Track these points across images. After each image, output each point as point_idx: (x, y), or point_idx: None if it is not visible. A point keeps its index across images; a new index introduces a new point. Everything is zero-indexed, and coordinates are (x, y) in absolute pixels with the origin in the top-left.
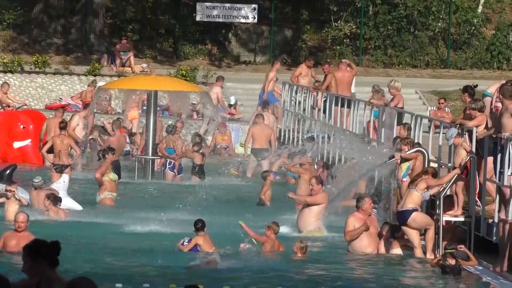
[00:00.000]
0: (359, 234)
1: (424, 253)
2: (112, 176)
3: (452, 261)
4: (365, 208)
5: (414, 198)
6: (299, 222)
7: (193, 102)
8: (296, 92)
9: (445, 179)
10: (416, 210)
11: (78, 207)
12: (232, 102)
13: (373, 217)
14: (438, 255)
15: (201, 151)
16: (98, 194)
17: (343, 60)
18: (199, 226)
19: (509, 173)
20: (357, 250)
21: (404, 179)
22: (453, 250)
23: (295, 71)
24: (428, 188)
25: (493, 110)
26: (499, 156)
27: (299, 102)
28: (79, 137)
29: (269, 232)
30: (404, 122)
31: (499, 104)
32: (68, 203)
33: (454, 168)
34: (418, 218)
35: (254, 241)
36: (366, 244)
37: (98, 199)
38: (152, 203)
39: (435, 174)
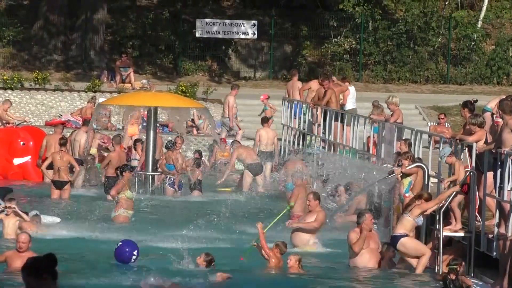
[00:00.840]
0: (364, 241)
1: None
2: (129, 194)
3: (453, 277)
4: (365, 224)
5: (405, 224)
6: (294, 238)
7: (192, 117)
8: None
9: (442, 197)
10: (406, 235)
11: (56, 220)
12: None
13: (374, 233)
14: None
15: (200, 167)
16: (113, 211)
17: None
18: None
19: (509, 188)
20: (358, 266)
21: (406, 195)
22: (455, 266)
23: (305, 85)
24: (423, 213)
25: (495, 126)
26: (499, 171)
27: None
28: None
29: (276, 251)
30: (404, 137)
31: (500, 120)
32: (47, 219)
33: (449, 180)
34: (408, 244)
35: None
36: (367, 260)
37: (112, 215)
38: (152, 219)
39: (429, 198)
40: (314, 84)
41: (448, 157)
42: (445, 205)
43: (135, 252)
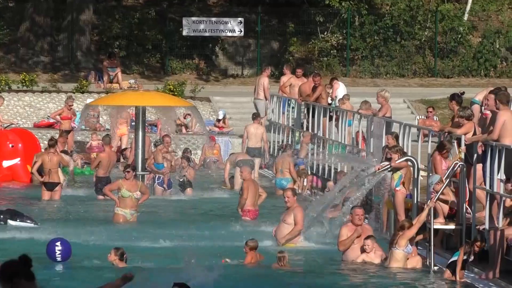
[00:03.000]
0: (352, 242)
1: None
2: (124, 192)
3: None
4: (351, 218)
5: (397, 258)
6: (278, 236)
7: (180, 117)
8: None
9: (421, 219)
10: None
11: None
12: (220, 117)
13: (367, 227)
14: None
15: (191, 165)
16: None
17: (315, 73)
18: None
19: (499, 177)
20: (350, 260)
21: (397, 188)
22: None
23: (284, 82)
24: (409, 240)
25: (483, 118)
26: (488, 162)
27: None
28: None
29: (246, 249)
30: (391, 131)
31: (488, 112)
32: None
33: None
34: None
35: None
36: (358, 254)
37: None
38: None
39: (410, 226)
40: (293, 80)
41: (436, 184)
42: (436, 197)
43: (58, 243)
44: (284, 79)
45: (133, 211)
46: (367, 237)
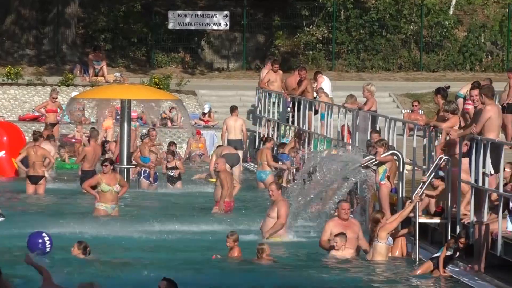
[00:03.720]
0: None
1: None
2: (103, 186)
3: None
4: (338, 212)
5: (380, 251)
6: (263, 230)
7: (165, 111)
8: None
9: (403, 214)
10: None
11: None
12: (206, 110)
13: (354, 221)
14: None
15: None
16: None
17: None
18: None
19: (484, 171)
20: (335, 255)
21: (382, 182)
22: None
23: (263, 78)
24: (389, 233)
25: (464, 112)
26: (473, 156)
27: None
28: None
29: (231, 242)
30: (375, 127)
31: (470, 106)
32: None
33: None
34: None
35: None
36: (349, 249)
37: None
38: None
39: (383, 216)
40: (272, 76)
41: (436, 180)
42: (421, 192)
43: (44, 234)
44: (263, 73)
45: (114, 205)
46: (337, 234)
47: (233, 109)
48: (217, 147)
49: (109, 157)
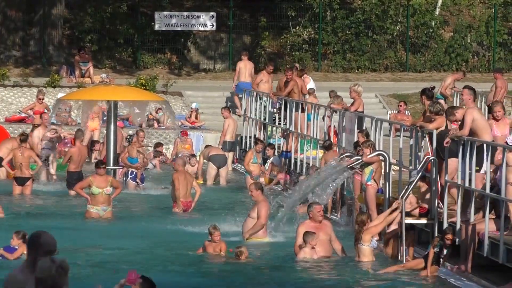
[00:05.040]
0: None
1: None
2: (94, 189)
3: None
4: (312, 215)
5: (365, 254)
6: (244, 229)
7: (151, 112)
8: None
9: (388, 219)
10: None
11: None
12: (193, 106)
13: (326, 223)
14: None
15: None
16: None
17: (296, 65)
18: None
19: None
20: (308, 257)
21: (368, 183)
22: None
23: (256, 78)
24: (373, 236)
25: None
26: (460, 157)
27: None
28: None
29: (217, 237)
30: (362, 128)
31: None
32: None
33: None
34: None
35: None
36: (321, 251)
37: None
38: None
39: (367, 218)
40: (264, 76)
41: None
42: (407, 194)
43: None
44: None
45: (106, 207)
46: (304, 234)
47: (226, 110)
48: (205, 147)
49: (96, 157)
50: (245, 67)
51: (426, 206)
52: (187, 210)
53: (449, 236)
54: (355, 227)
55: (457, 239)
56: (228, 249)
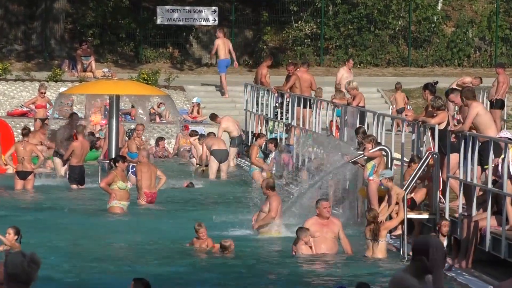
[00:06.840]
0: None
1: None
2: (121, 184)
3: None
4: (318, 211)
5: (382, 249)
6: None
7: (153, 106)
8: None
9: (401, 214)
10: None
11: None
12: (194, 101)
13: (334, 221)
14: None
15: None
16: (108, 202)
17: (289, 62)
18: None
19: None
20: (303, 254)
21: (370, 178)
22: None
23: (262, 72)
24: (387, 230)
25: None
26: (462, 152)
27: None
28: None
29: (204, 234)
30: (363, 124)
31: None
32: None
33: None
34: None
35: None
36: (319, 248)
37: (107, 206)
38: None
39: (377, 216)
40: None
41: (385, 179)
42: (410, 188)
43: None
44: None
45: (128, 202)
46: (298, 230)
47: (215, 116)
48: (207, 134)
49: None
50: (223, 44)
51: (412, 196)
52: (152, 201)
53: (445, 223)
54: (370, 224)
55: (459, 235)
56: (213, 245)
